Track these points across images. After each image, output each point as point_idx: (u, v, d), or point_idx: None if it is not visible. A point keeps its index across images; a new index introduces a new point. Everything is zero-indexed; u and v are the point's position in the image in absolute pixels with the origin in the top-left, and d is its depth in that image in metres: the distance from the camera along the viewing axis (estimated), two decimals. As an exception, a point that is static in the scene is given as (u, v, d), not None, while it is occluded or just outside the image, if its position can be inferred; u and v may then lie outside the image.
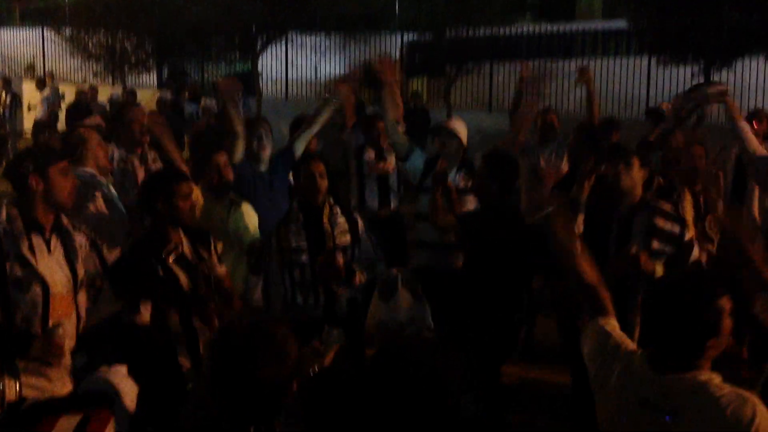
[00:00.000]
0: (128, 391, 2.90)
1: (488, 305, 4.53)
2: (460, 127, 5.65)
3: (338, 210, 4.68)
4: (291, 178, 5.44)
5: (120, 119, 5.67)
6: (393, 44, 19.13)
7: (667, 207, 4.39)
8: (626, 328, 2.76)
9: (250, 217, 5.04)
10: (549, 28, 22.31)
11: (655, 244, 4.17)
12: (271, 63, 19.12)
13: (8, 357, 3.29)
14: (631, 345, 2.56)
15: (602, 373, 2.55)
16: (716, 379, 2.33)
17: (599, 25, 22.19)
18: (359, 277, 4.56)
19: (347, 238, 4.65)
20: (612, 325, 2.65)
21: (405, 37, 20.22)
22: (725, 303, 2.34)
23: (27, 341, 3.32)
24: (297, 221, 4.60)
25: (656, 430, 2.34)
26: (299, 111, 8.38)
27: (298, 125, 6.14)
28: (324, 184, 4.58)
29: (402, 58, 19.39)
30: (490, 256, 4.54)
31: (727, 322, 2.33)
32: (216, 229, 4.59)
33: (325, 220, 4.61)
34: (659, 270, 4.00)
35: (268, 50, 18.61)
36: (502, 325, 4.63)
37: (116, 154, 5.41)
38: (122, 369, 2.94)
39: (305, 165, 4.65)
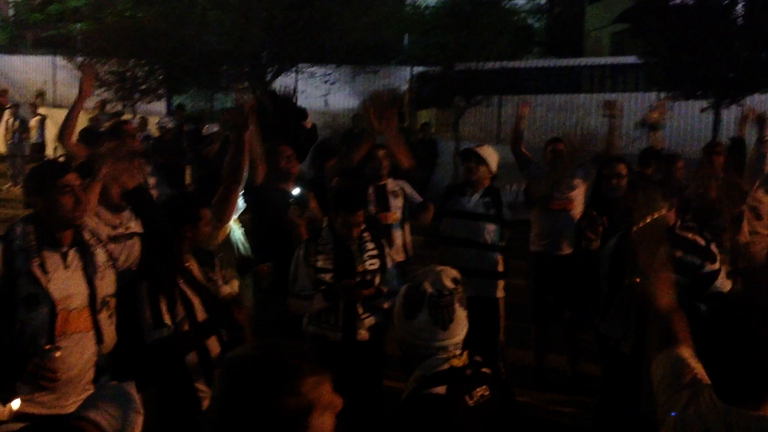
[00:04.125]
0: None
1: None
2: (490, 154, 5.71)
3: (368, 236, 4.73)
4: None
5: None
6: (402, 76, 19.20)
7: (692, 238, 4.36)
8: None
9: (239, 233, 5.10)
10: (557, 62, 22.44)
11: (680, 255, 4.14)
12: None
13: (4, 378, 3.23)
14: (705, 377, 2.37)
15: (671, 400, 2.39)
16: None
17: (608, 60, 22.29)
18: (384, 304, 4.60)
19: (375, 263, 4.68)
20: (688, 353, 2.48)
21: (414, 70, 20.34)
22: None
23: (22, 362, 3.23)
24: (326, 242, 4.61)
25: None
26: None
27: (322, 149, 6.25)
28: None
29: (411, 90, 19.50)
30: None
31: None
32: (218, 247, 4.61)
33: (355, 244, 4.62)
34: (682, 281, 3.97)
35: (278, 81, 18.72)
36: None
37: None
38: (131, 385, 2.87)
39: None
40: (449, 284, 2.67)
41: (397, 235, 6.08)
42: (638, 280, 4.16)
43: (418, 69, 20.59)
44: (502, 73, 18.81)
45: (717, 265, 4.32)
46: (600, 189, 5.67)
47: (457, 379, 2.58)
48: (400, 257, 5.93)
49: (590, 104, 14.93)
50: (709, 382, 2.30)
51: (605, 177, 5.57)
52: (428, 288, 2.64)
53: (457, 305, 2.68)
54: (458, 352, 2.66)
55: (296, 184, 5.57)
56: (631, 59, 17.06)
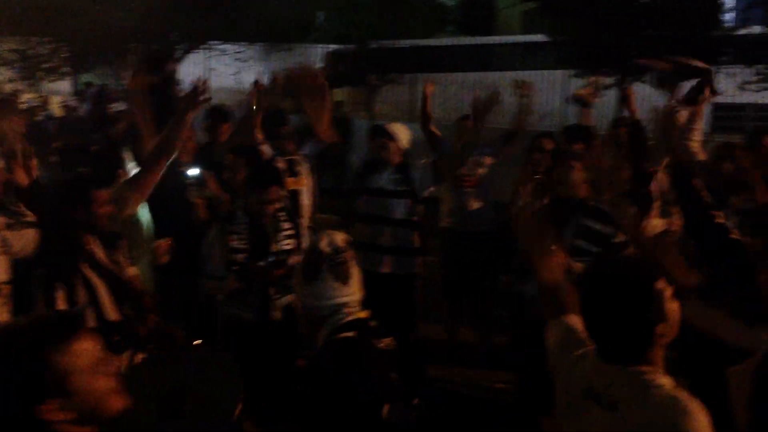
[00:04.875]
0: None
1: None
2: (399, 131, 5.74)
3: (284, 215, 4.72)
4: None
5: None
6: (316, 54, 19.10)
7: (604, 209, 4.54)
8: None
9: (145, 211, 5.00)
10: (469, 41, 22.70)
11: (581, 243, 4.33)
12: (191, 71, 18.84)
13: None
14: (590, 341, 2.49)
15: (560, 363, 2.53)
16: (661, 377, 2.25)
17: (518, 38, 22.66)
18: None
19: (290, 243, 4.68)
20: (576, 321, 2.58)
21: (328, 48, 20.26)
22: (663, 286, 2.26)
23: None
24: (240, 222, 4.60)
25: (596, 421, 2.29)
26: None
27: (216, 113, 6.27)
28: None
29: (324, 68, 19.41)
30: None
31: (671, 307, 2.26)
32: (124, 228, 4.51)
33: (270, 223, 4.62)
34: (579, 268, 4.12)
35: (189, 58, 18.36)
36: None
37: None
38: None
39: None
40: (341, 243, 2.86)
41: (305, 203, 6.14)
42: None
43: (332, 47, 20.52)
44: (416, 51, 18.94)
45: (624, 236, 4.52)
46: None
47: (364, 327, 2.79)
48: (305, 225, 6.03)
49: (502, 82, 15.17)
50: (592, 345, 2.41)
51: (528, 151, 5.76)
52: (325, 248, 2.82)
53: (352, 263, 2.87)
54: (359, 308, 2.86)
55: (194, 164, 5.51)
56: (540, 37, 17.40)
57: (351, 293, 2.84)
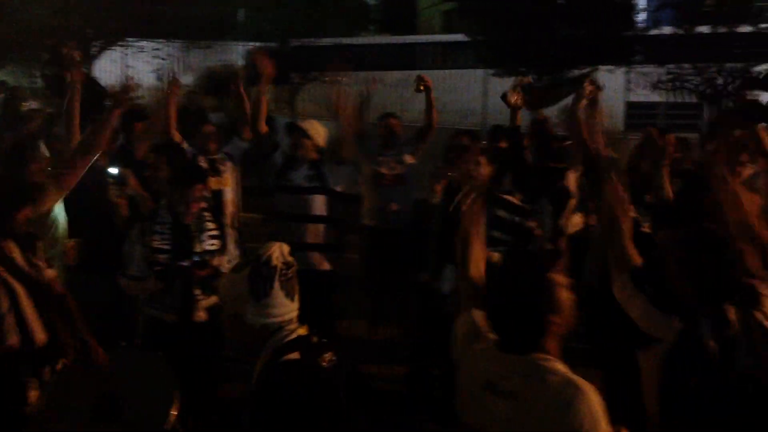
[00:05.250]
0: None
1: None
2: (314, 128, 5.76)
3: (209, 215, 4.68)
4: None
5: None
6: (237, 52, 18.92)
7: (512, 199, 4.78)
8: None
9: (60, 211, 4.88)
10: (392, 40, 22.83)
11: (496, 234, 4.47)
12: (108, 68, 18.44)
13: None
14: (492, 334, 2.55)
15: (464, 355, 2.58)
16: (556, 364, 2.32)
17: (440, 38, 22.92)
18: None
19: (215, 243, 4.63)
20: (481, 314, 2.63)
21: (249, 45, 20.07)
22: (558, 277, 2.34)
23: None
24: (163, 221, 4.54)
25: (496, 410, 2.35)
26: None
27: (132, 111, 6.17)
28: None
29: (246, 66, 19.24)
30: None
31: (565, 297, 2.33)
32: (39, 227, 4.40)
33: (194, 223, 4.57)
34: (497, 258, 4.28)
35: (106, 55, 17.95)
36: None
37: None
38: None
39: None
40: (289, 257, 2.73)
41: (229, 202, 6.09)
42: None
43: (253, 44, 20.33)
44: (338, 49, 18.94)
45: (533, 223, 4.77)
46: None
47: (307, 345, 2.66)
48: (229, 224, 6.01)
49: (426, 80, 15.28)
50: (493, 337, 2.50)
51: (448, 148, 5.82)
52: (277, 262, 2.67)
53: (296, 276, 2.77)
54: (298, 323, 2.73)
55: (114, 163, 5.42)
56: (461, 37, 17.64)
57: (296, 308, 2.71)
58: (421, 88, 6.50)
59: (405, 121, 7.12)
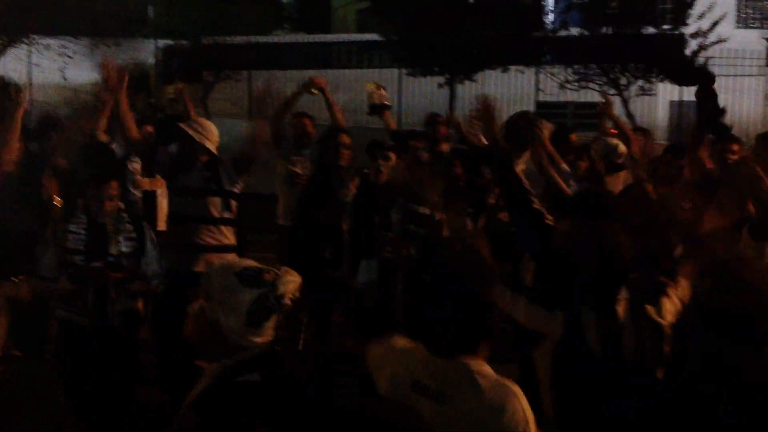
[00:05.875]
0: None
1: None
2: (205, 130, 5.58)
3: (127, 216, 4.57)
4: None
5: None
6: (148, 49, 18.55)
7: (422, 210, 4.94)
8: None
9: None
10: (306, 38, 22.79)
11: (409, 227, 4.78)
12: (13, 66, 17.81)
13: None
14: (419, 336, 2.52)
15: (385, 360, 2.56)
16: (484, 367, 2.33)
17: (354, 37, 22.98)
18: (138, 287, 4.48)
19: (131, 245, 4.53)
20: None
21: (160, 43, 19.72)
22: (489, 279, 2.38)
23: None
24: (78, 221, 4.43)
25: (426, 413, 2.23)
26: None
27: (48, 121, 6.01)
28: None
29: (157, 64, 18.91)
30: None
31: (494, 300, 2.37)
32: None
33: (110, 224, 4.47)
34: (413, 251, 4.49)
35: (9, 53, 17.36)
36: None
37: None
38: None
39: None
40: (298, 293, 2.49)
41: (161, 203, 5.97)
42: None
43: (164, 42, 19.98)
44: (251, 48, 18.79)
45: (440, 214, 4.97)
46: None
47: (268, 363, 2.42)
48: (163, 227, 5.88)
49: (339, 80, 15.35)
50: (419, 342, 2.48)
51: (331, 146, 5.83)
52: (288, 301, 2.44)
53: None
54: None
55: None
56: (376, 36, 17.74)
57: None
58: (314, 91, 6.51)
59: (319, 120, 7.14)
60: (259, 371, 2.34)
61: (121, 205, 4.60)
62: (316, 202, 5.58)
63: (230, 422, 2.25)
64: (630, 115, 14.80)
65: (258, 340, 2.38)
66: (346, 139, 5.82)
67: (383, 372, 2.52)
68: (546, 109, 17.84)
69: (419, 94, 16.51)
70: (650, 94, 16.39)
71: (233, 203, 5.66)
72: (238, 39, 18.39)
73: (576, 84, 16.39)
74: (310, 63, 19.26)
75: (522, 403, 2.27)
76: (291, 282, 2.48)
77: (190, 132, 5.48)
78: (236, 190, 5.63)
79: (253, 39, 19.35)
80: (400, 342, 2.57)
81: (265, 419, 2.27)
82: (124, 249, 4.51)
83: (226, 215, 5.63)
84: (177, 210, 5.65)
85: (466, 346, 2.35)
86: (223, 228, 5.61)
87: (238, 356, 2.35)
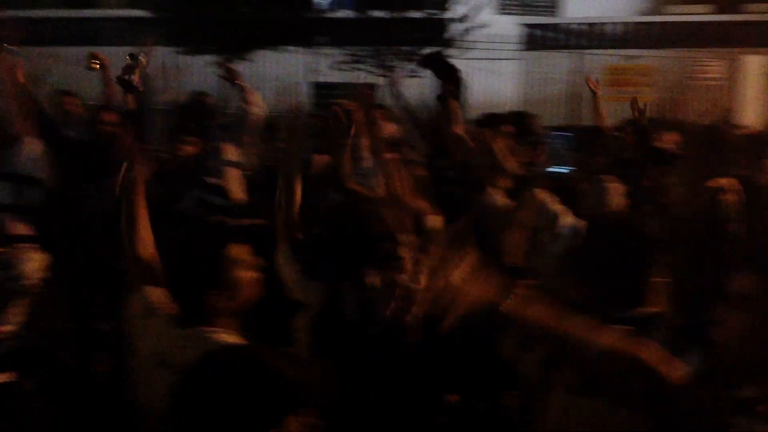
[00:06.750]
0: None
1: None
2: None
3: None
4: None
5: None
6: None
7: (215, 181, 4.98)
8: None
9: None
10: (73, 13, 21.67)
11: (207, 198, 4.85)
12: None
13: None
14: (167, 310, 2.53)
15: (138, 331, 2.55)
16: (222, 335, 2.31)
17: (123, 13, 22.13)
18: None
19: None
20: (156, 292, 2.62)
21: None
22: (237, 254, 2.38)
23: None
24: None
25: (166, 386, 2.18)
26: None
27: None
28: None
29: None
30: None
31: (241, 276, 2.37)
32: None
33: None
34: None
35: None
36: None
37: None
38: None
39: None
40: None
41: None
42: None
43: None
44: (13, 23, 17.61)
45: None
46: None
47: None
48: None
49: (110, 57, 14.74)
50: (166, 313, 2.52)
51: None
52: (30, 281, 2.46)
53: None
54: None
55: None
56: (144, 13, 17.25)
57: None
58: (94, 65, 6.32)
59: (84, 99, 6.95)
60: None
61: None
62: None
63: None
64: (398, 97, 15.48)
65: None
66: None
67: (138, 341, 2.52)
68: (320, 89, 18.26)
69: (195, 73, 16.29)
70: (419, 76, 17.23)
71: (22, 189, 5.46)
72: (-4, 13, 17.22)
73: (348, 66, 16.89)
74: (74, 39, 18.41)
75: None
76: (32, 260, 2.43)
77: None
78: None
79: (15, 14, 18.14)
80: (154, 303, 2.58)
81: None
82: None
83: (19, 202, 5.40)
84: None
85: (203, 317, 2.38)
86: (8, 216, 5.39)
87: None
